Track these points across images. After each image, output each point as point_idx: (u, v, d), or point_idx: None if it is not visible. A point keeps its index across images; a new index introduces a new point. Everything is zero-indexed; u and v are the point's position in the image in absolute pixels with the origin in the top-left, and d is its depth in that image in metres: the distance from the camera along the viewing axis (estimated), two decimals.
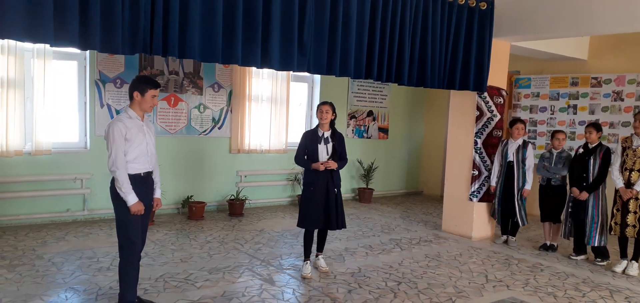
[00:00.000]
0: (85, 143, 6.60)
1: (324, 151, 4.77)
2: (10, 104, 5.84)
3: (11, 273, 4.53)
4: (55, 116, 6.28)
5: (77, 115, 6.58)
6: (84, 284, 4.36)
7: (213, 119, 7.51)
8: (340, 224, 4.86)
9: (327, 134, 4.81)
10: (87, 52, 6.38)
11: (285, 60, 4.44)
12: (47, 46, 5.09)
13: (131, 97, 3.59)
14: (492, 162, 6.49)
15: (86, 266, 4.82)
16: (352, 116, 9.19)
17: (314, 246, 5.05)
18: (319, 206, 4.77)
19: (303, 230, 4.96)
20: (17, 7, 3.10)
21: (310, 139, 4.82)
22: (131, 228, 3.59)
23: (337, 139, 4.83)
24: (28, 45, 5.78)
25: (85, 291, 4.22)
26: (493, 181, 6.40)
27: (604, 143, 5.93)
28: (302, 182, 5.14)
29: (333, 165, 4.72)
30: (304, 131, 5.12)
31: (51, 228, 6.09)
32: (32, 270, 4.64)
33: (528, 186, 6.19)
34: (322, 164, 4.70)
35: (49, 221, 6.34)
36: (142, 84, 3.58)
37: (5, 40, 5.32)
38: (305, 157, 4.85)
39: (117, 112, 6.59)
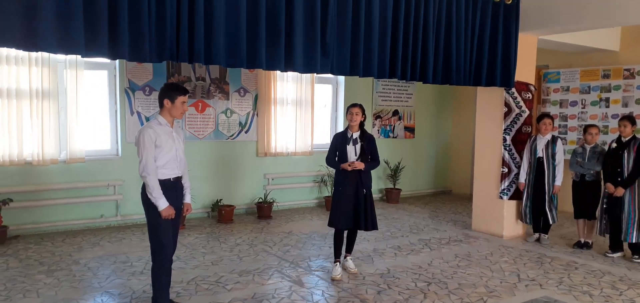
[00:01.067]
0: (117, 150, 6.77)
1: (352, 152, 4.80)
2: (46, 114, 6.05)
3: (49, 278, 4.68)
4: (87, 125, 6.47)
5: (108, 123, 6.76)
6: (119, 288, 4.48)
7: (240, 123, 7.60)
8: (370, 225, 4.84)
9: (356, 135, 4.84)
10: (117, 61, 6.54)
11: (309, 62, 4.46)
12: (79, 56, 5.25)
13: (161, 105, 3.67)
14: (521, 159, 6.37)
15: (120, 270, 4.94)
16: (377, 116, 9.15)
17: (343, 247, 5.07)
18: (348, 206, 4.78)
19: (332, 231, 4.98)
20: (49, 20, 3.22)
21: (340, 140, 4.88)
22: (162, 232, 3.66)
23: (367, 140, 4.84)
24: (61, 56, 5.98)
25: (120, 295, 4.33)
26: (522, 178, 6.28)
27: (638, 136, 5.76)
28: (333, 183, 5.11)
29: (359, 166, 4.73)
30: (329, 132, 5.15)
31: (86, 234, 6.26)
32: (69, 275, 4.78)
33: (558, 183, 6.05)
34: (349, 165, 4.72)
35: (84, 227, 6.52)
36: (172, 91, 3.65)
37: (39, 52, 5.49)
38: (336, 158, 4.90)
39: (147, 119, 6.74)
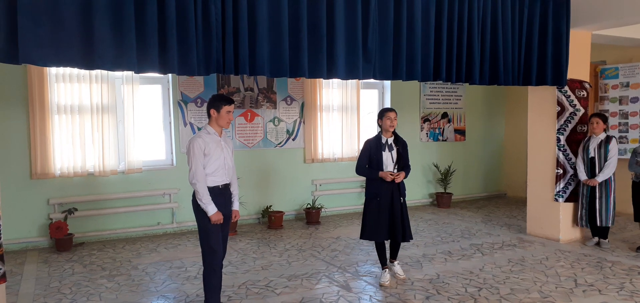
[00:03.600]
0: (172, 160, 7.07)
1: (389, 159, 4.69)
2: (105, 128, 6.42)
3: (110, 282, 4.95)
4: (144, 137, 6.80)
5: (163, 134, 7.08)
6: (174, 292, 4.68)
7: (287, 131, 7.74)
8: (406, 236, 4.72)
9: (391, 140, 4.74)
10: (170, 76, 6.86)
11: (351, 68, 4.47)
12: (134, 73, 5.55)
13: (209, 116, 3.84)
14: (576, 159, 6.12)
15: (175, 275, 5.15)
16: (425, 120, 9.05)
17: (388, 253, 5.03)
18: (384, 217, 4.66)
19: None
20: (104, 40, 3.44)
21: (374, 147, 4.74)
22: (212, 237, 3.80)
23: (402, 145, 4.75)
24: (118, 73, 6.34)
25: (175, 298, 4.52)
26: (583, 176, 5.96)
27: None
28: (364, 192, 4.91)
29: (402, 176, 4.63)
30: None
31: (144, 241, 6.57)
32: (128, 279, 5.04)
33: (598, 178, 5.74)
34: (391, 174, 4.60)
35: (142, 234, 6.84)
36: (217, 102, 3.81)
37: (98, 70, 5.84)
38: (367, 166, 4.77)
39: (199, 129, 7.00)
